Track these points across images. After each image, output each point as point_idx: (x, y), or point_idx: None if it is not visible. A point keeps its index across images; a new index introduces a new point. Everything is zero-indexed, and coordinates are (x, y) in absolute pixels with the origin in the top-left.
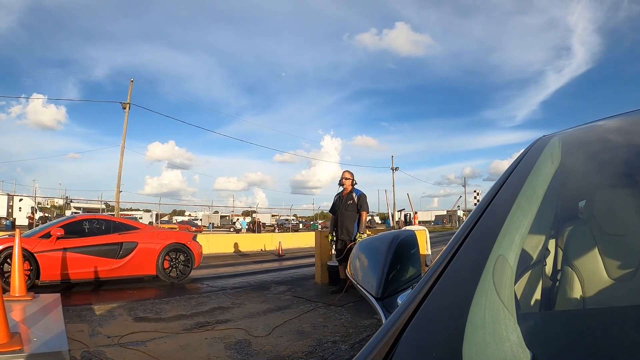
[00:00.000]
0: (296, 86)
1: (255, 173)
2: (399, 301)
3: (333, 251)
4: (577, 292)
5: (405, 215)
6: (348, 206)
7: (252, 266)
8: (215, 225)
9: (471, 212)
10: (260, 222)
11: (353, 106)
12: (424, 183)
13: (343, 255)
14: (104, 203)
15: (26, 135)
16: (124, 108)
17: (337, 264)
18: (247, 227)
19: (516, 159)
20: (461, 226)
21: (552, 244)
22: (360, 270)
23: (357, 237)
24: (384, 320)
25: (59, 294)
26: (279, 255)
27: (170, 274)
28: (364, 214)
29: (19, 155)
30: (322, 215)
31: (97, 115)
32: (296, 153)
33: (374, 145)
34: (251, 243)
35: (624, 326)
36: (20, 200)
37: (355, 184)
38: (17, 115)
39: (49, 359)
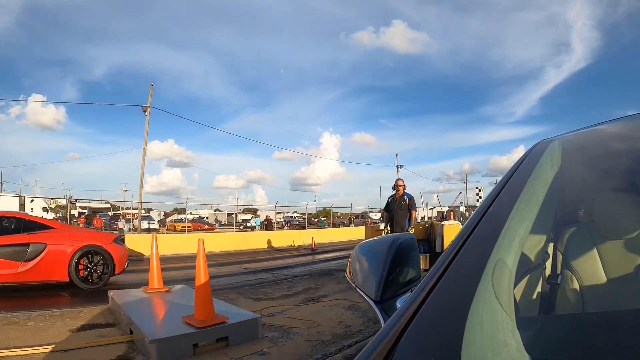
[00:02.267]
0: (294, 84)
1: (254, 171)
2: (398, 304)
3: None
4: (576, 296)
5: (443, 212)
6: (401, 206)
7: (300, 258)
8: (223, 224)
9: (470, 216)
10: (272, 220)
11: (351, 103)
12: (423, 179)
13: None
14: (108, 202)
15: (26, 135)
16: (145, 111)
17: None
18: (260, 224)
19: (516, 163)
20: (460, 230)
21: (551, 248)
22: (360, 273)
23: (408, 230)
24: (382, 324)
25: (184, 285)
26: (312, 250)
27: (87, 280)
28: (413, 212)
29: (18, 155)
30: (324, 212)
31: (96, 116)
32: (297, 150)
33: (373, 142)
34: (281, 239)
35: (624, 330)
36: (32, 201)
37: (405, 188)
38: (17, 115)
39: (249, 325)
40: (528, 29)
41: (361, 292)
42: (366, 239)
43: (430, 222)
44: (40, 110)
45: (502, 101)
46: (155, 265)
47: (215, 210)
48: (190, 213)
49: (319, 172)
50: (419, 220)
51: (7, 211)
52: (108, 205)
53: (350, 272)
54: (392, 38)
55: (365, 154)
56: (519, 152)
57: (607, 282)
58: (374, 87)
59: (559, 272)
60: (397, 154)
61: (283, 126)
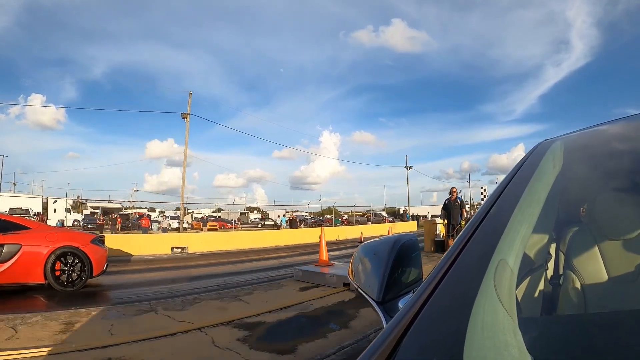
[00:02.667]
0: (293, 83)
1: (254, 170)
2: (400, 305)
3: (438, 232)
4: (578, 297)
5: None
6: (456, 206)
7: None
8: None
9: (473, 216)
10: (296, 218)
11: (351, 102)
12: (423, 177)
13: (454, 231)
14: (118, 202)
15: (26, 135)
16: (184, 118)
17: (442, 239)
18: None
19: (518, 163)
20: (463, 230)
21: (553, 248)
22: (362, 273)
23: (461, 222)
24: (384, 324)
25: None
26: (361, 242)
27: (63, 282)
28: (464, 210)
29: (19, 155)
30: (329, 211)
31: (95, 115)
32: (303, 149)
33: (372, 141)
34: (327, 234)
35: (626, 330)
36: (55, 202)
37: (458, 193)
38: (17, 115)
39: None
40: (528, 27)
41: (363, 293)
42: (425, 232)
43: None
44: (40, 110)
45: (502, 99)
46: (324, 248)
47: (218, 210)
48: (193, 212)
49: (319, 171)
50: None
51: None
52: (118, 205)
53: (352, 272)
54: (391, 37)
55: (365, 152)
56: (518, 151)
57: (610, 282)
58: (374, 85)
59: (561, 272)
60: (406, 156)
61: (283, 125)
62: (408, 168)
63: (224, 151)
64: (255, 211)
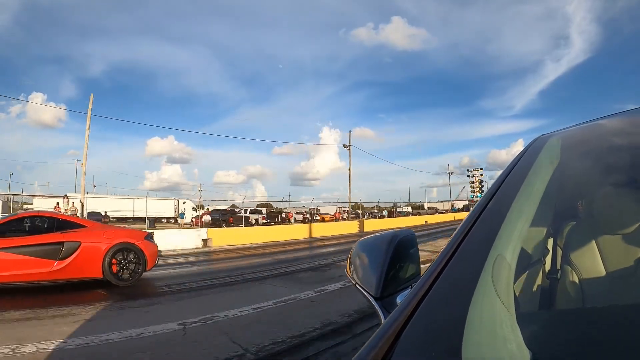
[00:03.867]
0: (293, 79)
1: (254, 166)
2: (398, 301)
3: None
4: (576, 291)
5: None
6: None
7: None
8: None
9: (470, 211)
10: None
11: (351, 98)
12: (421, 174)
13: None
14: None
15: (26, 134)
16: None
17: None
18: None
19: (515, 158)
20: (460, 225)
21: (551, 243)
22: (360, 269)
23: None
24: (382, 320)
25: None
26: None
27: (121, 276)
28: None
29: (19, 153)
30: (356, 207)
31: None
32: (308, 143)
33: (372, 137)
34: (368, 226)
35: (624, 325)
36: (184, 202)
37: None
38: (17, 114)
39: None
40: (527, 23)
41: (361, 289)
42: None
43: None
44: (40, 108)
45: (502, 95)
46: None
47: (230, 207)
48: (207, 208)
49: (319, 167)
50: None
51: (40, 210)
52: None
53: (349, 268)
54: (391, 34)
55: (366, 148)
56: (518, 146)
57: (607, 276)
58: (373, 82)
59: (558, 267)
60: (448, 164)
61: (282, 121)
62: (450, 173)
63: (224, 148)
64: (265, 207)
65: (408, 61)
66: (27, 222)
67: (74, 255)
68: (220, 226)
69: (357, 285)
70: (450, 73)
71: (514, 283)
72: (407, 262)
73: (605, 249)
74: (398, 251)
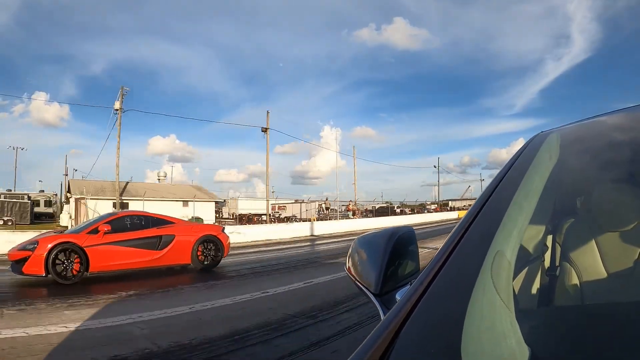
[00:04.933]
0: (294, 78)
1: (255, 165)
2: (398, 297)
3: None
4: (575, 288)
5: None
6: None
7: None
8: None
9: (469, 209)
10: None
11: (352, 97)
12: (421, 172)
13: None
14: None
15: (29, 133)
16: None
17: None
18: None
19: (514, 155)
20: (459, 222)
21: (550, 240)
22: (359, 265)
23: None
24: (382, 316)
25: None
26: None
27: (204, 262)
28: None
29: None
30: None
31: (94, 112)
32: (315, 143)
33: (373, 136)
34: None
35: (622, 322)
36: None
37: None
38: (20, 114)
39: None
40: (528, 21)
41: (360, 285)
42: None
43: None
44: (43, 107)
45: (502, 94)
46: None
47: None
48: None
49: (320, 165)
50: None
51: (135, 210)
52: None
53: (349, 265)
54: (393, 34)
55: (366, 147)
56: (518, 145)
57: (606, 274)
58: (374, 82)
59: (557, 264)
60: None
61: (283, 119)
62: (479, 178)
63: (225, 146)
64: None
65: (409, 61)
66: (127, 220)
67: (169, 246)
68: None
69: (357, 282)
70: (451, 72)
71: (513, 280)
72: (407, 259)
73: (605, 246)
74: (397, 248)
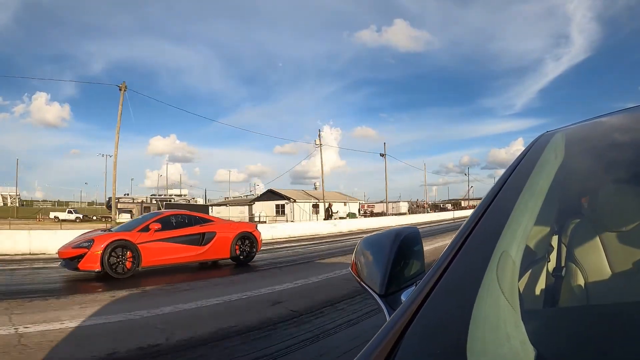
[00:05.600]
0: (294, 78)
1: (255, 165)
2: (403, 298)
3: None
4: (580, 289)
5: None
6: None
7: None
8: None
9: (475, 209)
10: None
11: (352, 97)
12: (419, 172)
13: None
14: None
15: (27, 134)
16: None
17: None
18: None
19: (519, 155)
20: (465, 222)
21: (555, 240)
22: (364, 266)
23: None
24: (387, 317)
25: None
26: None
27: (240, 257)
28: None
29: (20, 152)
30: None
31: (94, 112)
32: (316, 143)
33: (373, 136)
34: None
35: (628, 322)
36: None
37: None
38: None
39: None
40: (527, 22)
41: (366, 286)
42: None
43: None
44: (45, 107)
45: (502, 93)
46: None
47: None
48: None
49: (319, 165)
50: None
51: (179, 210)
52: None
53: (354, 266)
54: (393, 36)
55: (366, 147)
56: (518, 145)
57: (612, 274)
58: (374, 80)
59: (563, 264)
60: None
61: (283, 119)
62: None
63: (225, 146)
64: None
65: (409, 61)
66: (173, 219)
67: (211, 242)
68: None
69: (362, 283)
70: (451, 72)
71: (519, 280)
72: (412, 259)
73: (610, 247)
74: (403, 249)
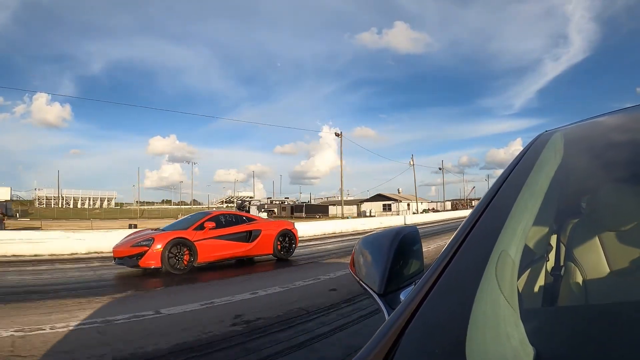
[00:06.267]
0: (294, 78)
1: (255, 165)
2: (402, 297)
3: None
4: (579, 288)
5: None
6: None
7: None
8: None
9: (474, 208)
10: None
11: (352, 97)
12: (419, 171)
13: None
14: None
15: (27, 133)
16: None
17: None
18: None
19: (518, 155)
20: (464, 221)
21: (554, 240)
22: (363, 266)
23: None
24: (386, 316)
25: None
26: None
27: (281, 252)
28: None
29: (20, 152)
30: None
31: (94, 112)
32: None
33: (373, 136)
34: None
35: (627, 322)
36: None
37: None
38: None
39: None
40: (526, 22)
41: (364, 285)
42: None
43: None
44: (45, 108)
45: (501, 94)
46: None
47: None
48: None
49: (319, 165)
50: None
51: (228, 210)
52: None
53: (353, 265)
54: (393, 38)
55: (367, 147)
56: (516, 145)
57: (611, 273)
58: (374, 80)
59: (562, 263)
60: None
61: (283, 120)
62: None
63: (225, 146)
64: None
65: (409, 62)
66: (222, 218)
67: (257, 239)
68: None
69: (361, 282)
70: (450, 72)
71: (518, 279)
72: (411, 259)
73: (609, 246)
74: (402, 248)
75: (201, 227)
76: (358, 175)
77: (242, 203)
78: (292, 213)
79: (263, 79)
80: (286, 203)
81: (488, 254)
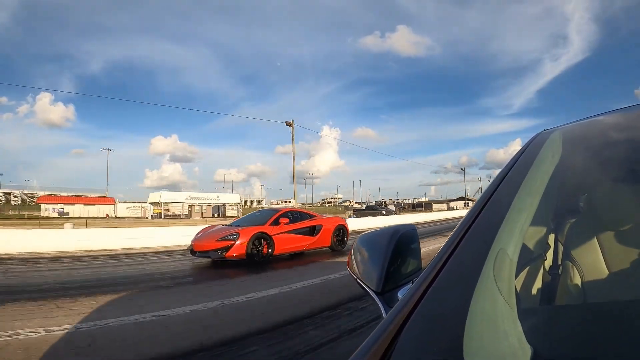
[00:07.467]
0: (294, 78)
1: (255, 164)
2: (400, 296)
3: None
4: (577, 287)
5: None
6: None
7: None
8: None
9: (472, 206)
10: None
11: (352, 97)
12: (418, 171)
13: None
14: None
15: (29, 133)
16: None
17: None
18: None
19: (517, 153)
20: (462, 220)
21: (552, 239)
22: (360, 264)
23: None
24: (384, 314)
25: None
26: None
27: (337, 245)
28: None
29: (19, 151)
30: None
31: (94, 112)
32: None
33: (373, 136)
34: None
35: (624, 321)
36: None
37: None
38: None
39: None
40: (526, 22)
41: (362, 283)
42: None
43: None
44: (46, 107)
45: (500, 94)
46: None
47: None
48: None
49: (319, 165)
50: None
51: (293, 207)
52: None
53: (351, 263)
54: (396, 41)
55: (366, 147)
56: (515, 145)
57: (608, 272)
58: (375, 82)
59: (560, 262)
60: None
61: (283, 119)
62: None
63: (225, 146)
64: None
65: (409, 63)
66: (290, 215)
67: (319, 234)
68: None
69: (358, 280)
70: (450, 72)
71: (515, 278)
72: (409, 257)
73: (607, 245)
74: (399, 246)
75: (276, 222)
76: (358, 175)
77: (380, 203)
78: (413, 208)
79: (263, 79)
80: (404, 202)
81: (486, 253)
